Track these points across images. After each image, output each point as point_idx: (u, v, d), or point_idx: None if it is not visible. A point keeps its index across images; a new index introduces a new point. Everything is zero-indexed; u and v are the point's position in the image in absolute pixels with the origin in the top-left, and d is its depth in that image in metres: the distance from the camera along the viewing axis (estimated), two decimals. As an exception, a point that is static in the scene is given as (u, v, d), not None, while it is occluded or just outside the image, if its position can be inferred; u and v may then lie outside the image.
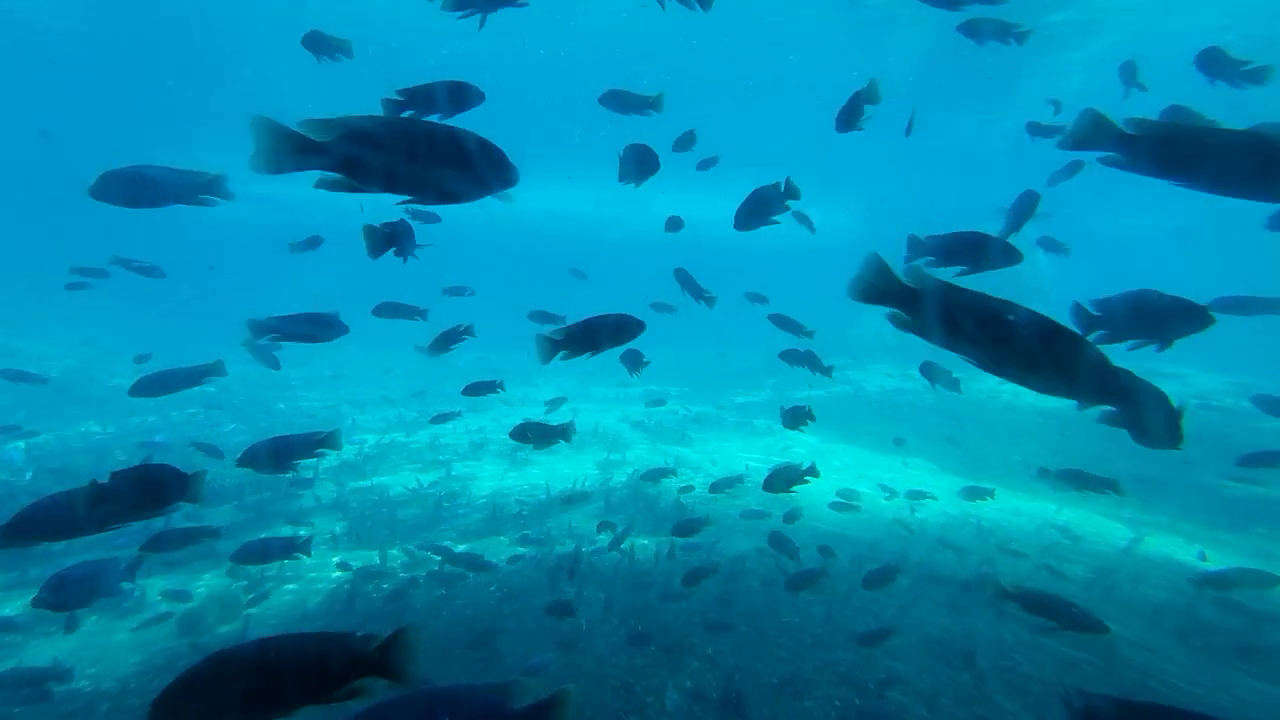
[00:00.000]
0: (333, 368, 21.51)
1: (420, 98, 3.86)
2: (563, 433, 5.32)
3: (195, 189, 4.07)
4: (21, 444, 11.55)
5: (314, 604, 6.74)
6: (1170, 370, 17.66)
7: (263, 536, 5.66)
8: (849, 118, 4.76)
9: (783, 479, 5.55)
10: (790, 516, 7.81)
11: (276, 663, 1.88)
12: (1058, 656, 5.72)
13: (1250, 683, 5.57)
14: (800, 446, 14.87)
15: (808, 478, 5.57)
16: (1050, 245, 8.62)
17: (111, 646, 6.00)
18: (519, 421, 5.31)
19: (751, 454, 13.97)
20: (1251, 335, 11.47)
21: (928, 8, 5.35)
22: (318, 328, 4.67)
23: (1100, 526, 10.32)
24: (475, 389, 6.49)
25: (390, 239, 3.91)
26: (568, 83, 19.81)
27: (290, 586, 7.21)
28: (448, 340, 5.86)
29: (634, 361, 6.53)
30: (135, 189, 3.96)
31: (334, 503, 9.83)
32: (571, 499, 9.45)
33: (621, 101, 5.91)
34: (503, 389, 6.63)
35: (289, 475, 9.59)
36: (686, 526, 6.48)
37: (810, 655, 5.45)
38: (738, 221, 4.60)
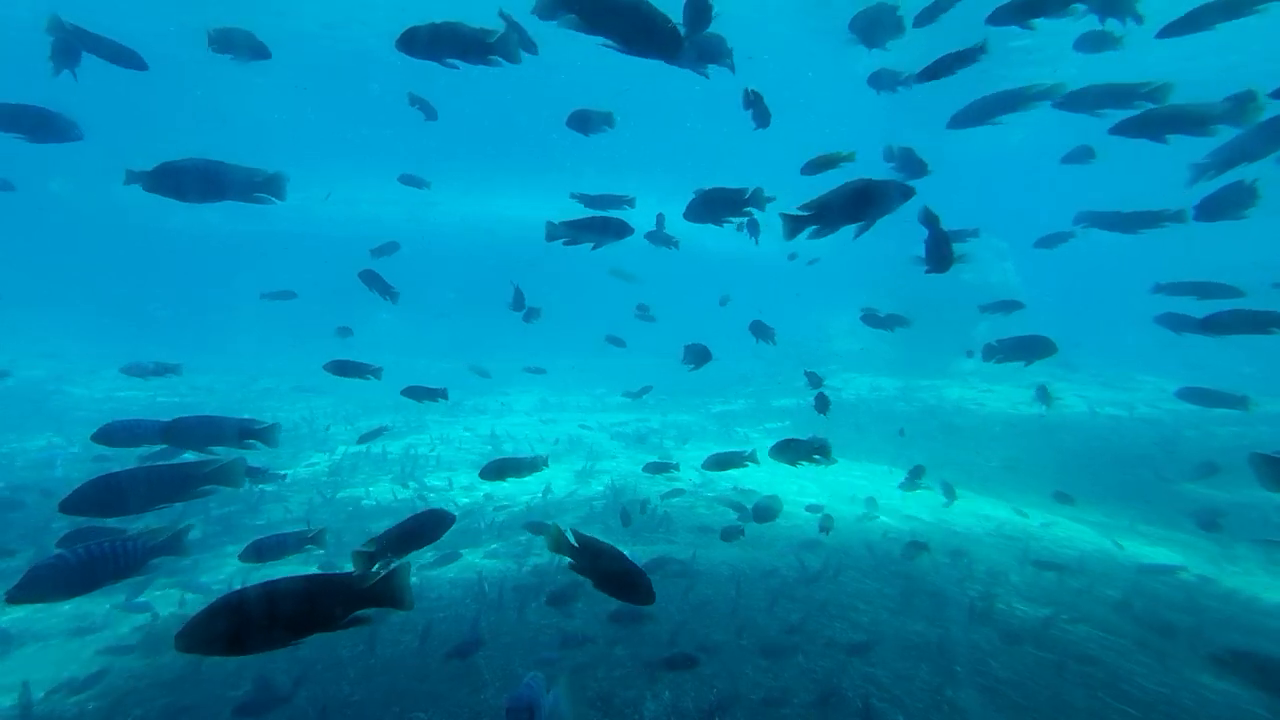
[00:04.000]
0: (304, 380, 21.07)
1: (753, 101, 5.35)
2: (535, 465, 5.51)
3: (254, 186, 3.91)
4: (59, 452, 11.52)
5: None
6: (1142, 379, 18.20)
7: (281, 532, 5.52)
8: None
9: (726, 461, 6.32)
10: (762, 516, 7.85)
11: (289, 597, 2.19)
12: (1029, 660, 5.82)
13: (1211, 682, 5.72)
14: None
15: (748, 462, 6.21)
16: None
17: (72, 668, 5.76)
18: (489, 434, 5.38)
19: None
20: (1202, 348, 11.92)
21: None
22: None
23: (1069, 530, 10.54)
24: (413, 392, 6.97)
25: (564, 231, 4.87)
26: (556, 97, 19.87)
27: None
28: (347, 370, 6.76)
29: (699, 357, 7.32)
30: (195, 182, 3.79)
31: (304, 515, 9.59)
32: (549, 509, 9.35)
33: (583, 121, 6.15)
34: (445, 398, 7.10)
35: (256, 486, 9.34)
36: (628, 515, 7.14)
37: (788, 661, 5.47)
38: (689, 213, 4.60)
